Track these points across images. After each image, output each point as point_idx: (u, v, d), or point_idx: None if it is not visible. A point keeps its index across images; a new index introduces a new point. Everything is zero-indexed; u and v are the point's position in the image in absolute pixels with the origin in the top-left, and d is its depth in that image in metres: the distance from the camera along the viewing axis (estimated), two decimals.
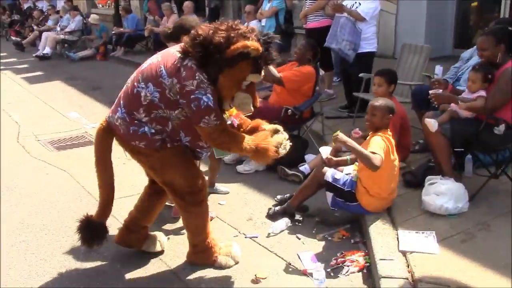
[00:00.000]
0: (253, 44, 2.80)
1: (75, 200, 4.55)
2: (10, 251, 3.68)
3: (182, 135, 3.09)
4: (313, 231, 3.91)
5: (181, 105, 2.94)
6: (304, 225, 4.01)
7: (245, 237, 3.86)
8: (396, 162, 3.77)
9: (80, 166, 5.27)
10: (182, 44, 2.96)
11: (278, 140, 3.19)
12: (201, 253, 3.41)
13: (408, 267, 3.12)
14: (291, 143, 3.34)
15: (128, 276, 3.39)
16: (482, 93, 3.85)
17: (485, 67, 3.90)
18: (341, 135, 3.62)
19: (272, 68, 5.17)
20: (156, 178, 3.27)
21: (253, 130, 3.31)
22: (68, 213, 4.26)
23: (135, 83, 3.03)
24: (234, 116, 3.36)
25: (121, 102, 3.09)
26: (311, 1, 7.14)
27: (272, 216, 4.12)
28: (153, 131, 3.03)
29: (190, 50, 2.87)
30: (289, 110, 5.06)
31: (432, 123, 3.87)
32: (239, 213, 4.26)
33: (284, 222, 3.98)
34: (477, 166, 4.34)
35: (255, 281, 3.28)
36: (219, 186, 4.63)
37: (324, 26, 6.95)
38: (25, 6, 19.32)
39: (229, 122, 3.26)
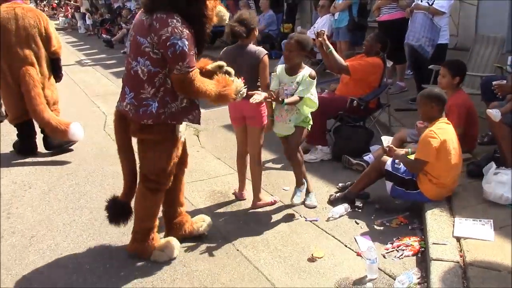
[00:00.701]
0: None
1: None
2: (99, 225, 4.10)
3: None
4: (372, 217, 4.04)
5: (165, 56, 3.03)
6: (364, 212, 4.14)
7: (305, 220, 4.06)
8: (455, 151, 3.80)
9: None
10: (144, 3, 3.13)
11: (237, 88, 3.35)
12: (140, 243, 3.51)
13: (461, 251, 3.18)
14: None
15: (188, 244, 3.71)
16: None
17: None
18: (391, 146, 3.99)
19: (338, 56, 5.32)
20: (141, 155, 3.37)
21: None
22: None
23: (130, 66, 3.18)
24: None
25: (126, 89, 3.23)
26: None
27: (333, 202, 4.28)
28: (157, 104, 3.14)
29: (154, 5, 3.04)
30: (354, 101, 5.18)
31: (494, 113, 3.87)
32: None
33: (344, 207, 4.13)
34: None
35: (312, 259, 3.47)
36: (311, 197, 4.34)
37: (397, 19, 6.96)
38: (115, 5, 20.51)
39: None
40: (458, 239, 3.33)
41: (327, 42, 5.26)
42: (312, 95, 3.99)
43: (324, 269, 3.37)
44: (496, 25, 8.39)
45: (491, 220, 3.48)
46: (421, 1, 6.21)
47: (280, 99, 3.85)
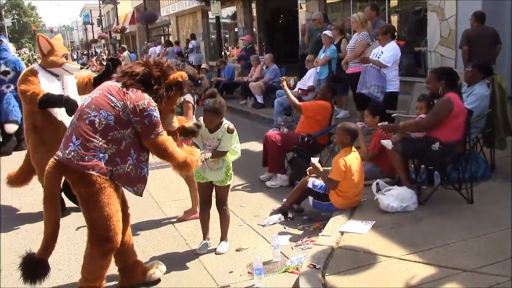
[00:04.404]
0: (182, 74, 3.65)
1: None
2: None
3: (132, 152, 3.52)
4: (298, 224, 5.19)
5: (133, 123, 3.44)
6: (294, 221, 5.29)
7: (246, 225, 5.26)
8: (357, 173, 4.93)
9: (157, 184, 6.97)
10: (120, 78, 3.55)
11: (198, 155, 3.96)
12: None
13: (339, 240, 4.30)
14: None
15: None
16: (423, 116, 4.96)
17: (427, 97, 5.03)
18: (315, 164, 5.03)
19: (294, 98, 6.66)
20: (85, 212, 3.49)
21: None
22: None
23: (85, 116, 3.41)
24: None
25: (73, 137, 3.38)
26: (351, 50, 8.48)
27: (272, 214, 5.45)
28: (106, 158, 3.40)
29: (133, 83, 3.49)
30: (305, 137, 6.41)
31: (385, 143, 5.04)
32: (251, 212, 5.64)
33: (277, 217, 5.30)
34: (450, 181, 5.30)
35: (239, 249, 4.66)
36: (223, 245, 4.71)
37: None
38: None
39: None
40: (342, 233, 4.45)
41: (286, 87, 6.61)
42: (235, 147, 4.49)
43: (245, 255, 4.53)
44: None
45: (374, 222, 4.59)
46: (374, 57, 7.47)
47: (206, 156, 4.26)
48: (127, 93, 3.46)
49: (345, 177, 4.89)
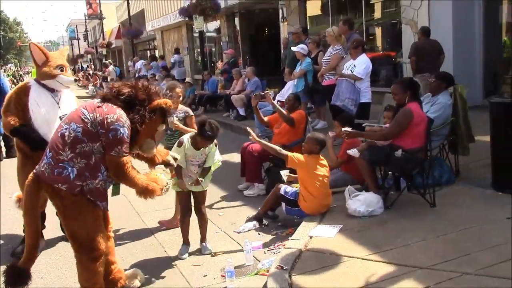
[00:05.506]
0: (166, 101, 3.64)
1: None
2: None
3: (102, 168, 3.51)
4: (272, 230, 5.44)
5: (101, 135, 3.41)
6: (269, 227, 5.55)
7: (222, 232, 5.50)
8: (321, 177, 5.20)
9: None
10: (103, 93, 3.64)
11: (163, 183, 3.80)
12: None
13: (307, 244, 4.56)
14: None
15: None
16: (388, 125, 5.26)
17: (394, 107, 5.32)
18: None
19: (284, 112, 6.92)
20: (63, 223, 3.68)
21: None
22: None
23: (59, 130, 3.50)
24: None
25: (47, 151, 3.51)
26: (326, 63, 8.81)
27: (248, 221, 5.69)
28: (75, 172, 3.41)
29: (111, 99, 3.53)
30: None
31: (352, 152, 5.32)
32: (228, 220, 5.89)
33: (252, 224, 5.54)
34: (415, 186, 5.59)
35: (213, 255, 4.90)
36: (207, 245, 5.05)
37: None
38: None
39: None
40: (311, 236, 4.70)
41: (273, 101, 6.93)
42: (217, 159, 4.97)
43: (219, 260, 4.77)
44: None
45: (341, 225, 4.86)
46: (346, 70, 7.80)
47: (199, 179, 4.81)
48: (100, 106, 3.48)
49: (310, 179, 5.15)
